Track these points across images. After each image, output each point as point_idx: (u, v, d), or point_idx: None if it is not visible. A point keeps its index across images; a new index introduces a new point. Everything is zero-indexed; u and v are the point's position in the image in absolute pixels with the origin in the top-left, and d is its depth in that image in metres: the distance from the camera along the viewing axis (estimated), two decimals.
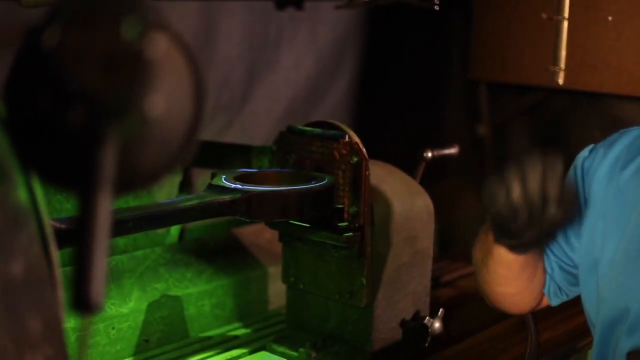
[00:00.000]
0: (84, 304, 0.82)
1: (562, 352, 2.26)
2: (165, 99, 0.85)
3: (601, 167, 1.81)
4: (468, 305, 2.38)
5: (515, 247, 1.71)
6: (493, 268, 1.86)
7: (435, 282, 2.44)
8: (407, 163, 2.59)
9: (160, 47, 0.83)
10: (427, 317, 2.09)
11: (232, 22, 2.81)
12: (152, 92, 0.82)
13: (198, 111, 0.90)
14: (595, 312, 1.78)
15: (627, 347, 1.67)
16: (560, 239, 1.86)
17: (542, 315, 2.22)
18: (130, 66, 0.81)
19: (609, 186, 1.78)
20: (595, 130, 3.03)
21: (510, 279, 1.85)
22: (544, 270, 1.90)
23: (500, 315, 2.15)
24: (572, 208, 1.56)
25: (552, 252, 1.88)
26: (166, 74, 0.85)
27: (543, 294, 1.93)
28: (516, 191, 1.54)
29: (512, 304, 1.97)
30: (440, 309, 2.11)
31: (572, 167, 1.88)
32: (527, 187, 1.53)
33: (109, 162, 0.83)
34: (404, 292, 2.07)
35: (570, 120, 3.17)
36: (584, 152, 1.88)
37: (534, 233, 1.61)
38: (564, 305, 1.98)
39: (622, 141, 1.82)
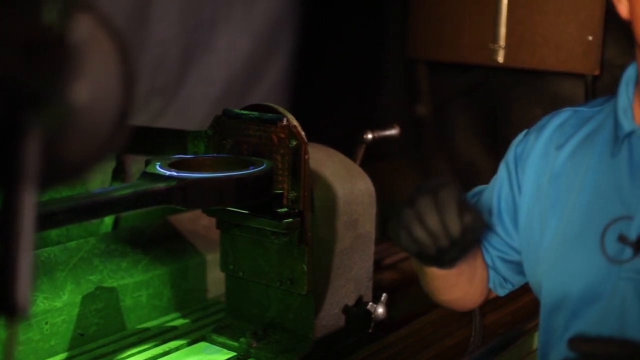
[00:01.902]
0: (9, 308, 0.78)
1: (509, 335, 2.24)
2: (91, 86, 0.80)
3: (534, 151, 1.80)
4: (411, 288, 2.35)
5: (441, 267, 1.70)
6: (430, 282, 1.85)
7: (377, 266, 2.41)
8: (348, 145, 2.56)
9: (84, 30, 0.78)
10: (370, 303, 2.06)
11: (166, 2, 2.74)
12: (77, 79, 0.77)
13: (127, 97, 0.86)
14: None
15: (569, 332, 1.65)
16: (498, 231, 1.85)
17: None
18: (52, 51, 0.76)
19: (544, 170, 1.77)
20: (536, 108, 3.02)
21: (449, 287, 1.85)
22: (485, 265, 1.88)
23: None
24: (480, 224, 1.56)
25: (491, 246, 1.86)
26: (92, 59, 0.80)
27: (489, 288, 1.92)
28: (417, 231, 1.54)
29: (460, 306, 1.97)
30: (383, 294, 2.08)
31: (506, 154, 1.87)
32: (427, 226, 1.53)
33: (31, 155, 0.79)
34: (346, 278, 2.04)
35: (511, 99, 3.16)
36: (518, 138, 1.87)
37: (449, 257, 1.60)
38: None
39: (553, 123, 1.81)
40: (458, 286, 1.85)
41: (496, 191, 1.87)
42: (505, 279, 1.89)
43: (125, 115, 0.87)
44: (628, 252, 1.57)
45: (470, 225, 1.53)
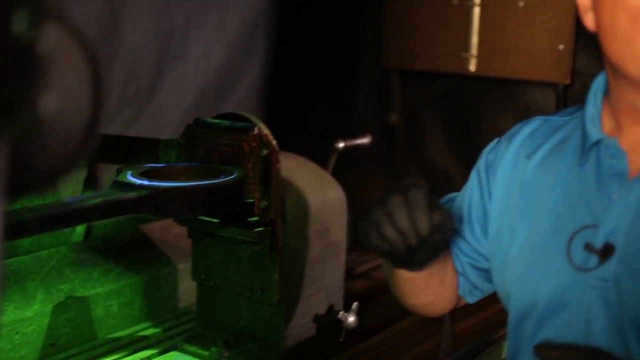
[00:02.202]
0: None
1: (479, 343, 2.25)
2: (60, 96, 0.80)
3: (504, 159, 1.81)
4: (382, 296, 2.35)
5: (411, 268, 1.71)
6: (400, 286, 1.86)
7: (349, 274, 2.42)
8: (320, 153, 2.56)
9: (53, 40, 0.78)
10: (341, 312, 2.06)
11: (139, 10, 2.74)
12: (45, 89, 0.77)
13: (97, 107, 0.85)
14: (505, 306, 1.78)
15: (536, 340, 1.66)
16: (468, 238, 1.86)
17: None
18: (20, 61, 0.76)
19: (513, 178, 1.78)
20: (508, 117, 3.04)
21: (419, 291, 1.85)
22: (455, 271, 1.89)
23: None
24: (449, 224, 1.57)
25: (461, 252, 1.87)
26: (61, 69, 0.80)
27: (459, 295, 1.93)
28: (387, 229, 1.55)
29: (429, 311, 1.97)
30: (355, 303, 2.08)
31: (477, 161, 1.88)
32: (396, 224, 1.54)
33: (0, 165, 0.78)
34: (317, 287, 2.04)
35: (483, 107, 3.17)
36: (489, 145, 1.88)
37: (419, 257, 1.62)
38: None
39: (524, 131, 1.82)
40: (428, 290, 1.85)
41: (467, 198, 1.88)
42: (475, 286, 1.90)
43: (94, 125, 0.86)
44: (594, 260, 1.58)
45: (439, 224, 1.55)
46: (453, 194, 1.97)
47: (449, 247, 1.88)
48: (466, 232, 1.86)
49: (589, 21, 1.63)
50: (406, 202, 1.54)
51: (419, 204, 1.54)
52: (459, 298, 1.94)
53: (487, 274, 1.87)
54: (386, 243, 1.57)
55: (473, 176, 1.89)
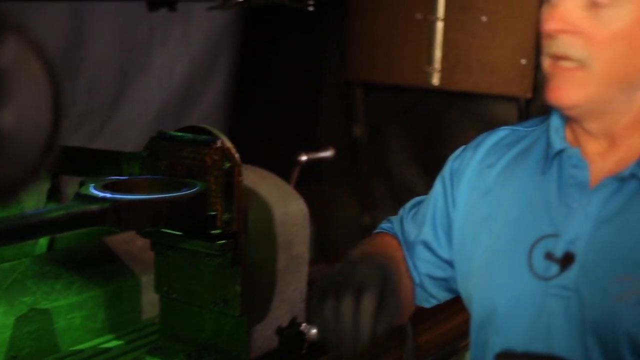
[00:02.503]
0: None
1: (441, 354, 2.27)
2: (19, 110, 0.80)
3: (469, 167, 1.82)
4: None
5: None
6: None
7: (312, 287, 2.42)
8: (284, 166, 2.57)
9: (11, 53, 0.78)
10: (304, 324, 2.07)
11: (103, 23, 2.74)
12: (4, 104, 0.77)
13: (56, 120, 0.86)
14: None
15: (496, 347, 1.67)
16: (431, 244, 1.87)
17: (420, 317, 2.22)
18: None
19: (477, 186, 1.79)
20: (471, 130, 3.06)
21: None
22: (412, 282, 1.90)
23: None
24: (391, 322, 1.59)
25: (421, 262, 1.88)
26: (19, 83, 0.80)
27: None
28: (330, 330, 1.56)
29: None
30: None
31: (443, 168, 1.90)
32: (342, 328, 1.55)
33: None
34: (280, 299, 2.05)
35: (446, 121, 3.20)
36: (455, 153, 1.89)
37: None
38: (441, 306, 1.98)
39: (489, 141, 1.84)
40: None
41: (432, 205, 1.89)
42: (432, 295, 1.91)
43: (54, 138, 0.87)
44: (554, 269, 1.60)
45: (382, 326, 1.56)
46: (420, 197, 1.98)
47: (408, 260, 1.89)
48: (430, 238, 1.87)
49: None
50: (355, 309, 1.54)
51: (365, 316, 1.54)
52: (415, 306, 1.95)
53: (444, 283, 1.88)
54: (327, 339, 1.59)
55: (438, 183, 1.90)
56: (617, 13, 1.52)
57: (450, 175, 1.86)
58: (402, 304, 1.71)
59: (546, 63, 1.58)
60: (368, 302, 1.55)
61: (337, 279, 1.60)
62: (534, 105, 2.95)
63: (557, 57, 1.55)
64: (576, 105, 1.57)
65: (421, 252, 1.88)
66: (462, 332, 2.31)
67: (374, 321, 1.55)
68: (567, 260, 1.59)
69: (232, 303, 1.92)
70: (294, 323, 2.08)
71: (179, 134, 1.95)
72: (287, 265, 2.04)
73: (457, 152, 1.90)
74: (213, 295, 1.96)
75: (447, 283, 1.87)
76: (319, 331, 1.60)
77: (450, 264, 1.86)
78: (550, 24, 1.54)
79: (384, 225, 1.98)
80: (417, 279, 1.88)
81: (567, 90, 1.56)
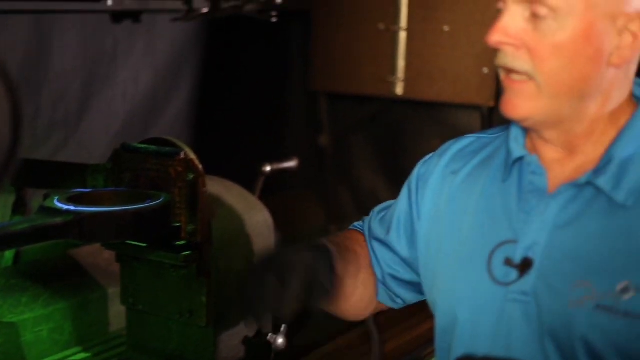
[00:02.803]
0: None
1: None
2: None
3: (434, 174, 1.84)
4: (311, 317, 2.37)
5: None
6: None
7: None
8: (249, 177, 2.58)
9: None
10: (270, 334, 2.07)
11: (67, 36, 2.74)
12: None
13: (16, 135, 0.87)
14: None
15: (459, 353, 1.69)
16: (395, 247, 1.88)
17: (386, 324, 2.23)
18: None
19: (441, 193, 1.81)
20: (435, 139, 3.08)
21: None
22: (373, 277, 1.91)
23: (344, 327, 2.15)
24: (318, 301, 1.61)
25: (384, 261, 1.89)
26: None
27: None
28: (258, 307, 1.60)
29: (348, 314, 1.97)
30: (283, 325, 2.09)
31: (411, 174, 1.92)
32: (266, 306, 1.59)
33: None
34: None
35: (410, 130, 3.21)
36: (423, 159, 1.91)
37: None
38: (408, 314, 1.99)
39: (454, 148, 1.86)
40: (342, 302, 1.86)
41: (397, 209, 1.91)
42: (396, 295, 1.93)
43: (14, 151, 0.87)
44: (513, 274, 1.62)
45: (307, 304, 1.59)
46: (389, 202, 2.00)
47: (370, 252, 1.91)
48: (393, 242, 1.89)
49: None
50: (277, 288, 1.57)
51: (287, 294, 1.57)
52: (379, 303, 1.96)
53: (409, 286, 1.89)
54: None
55: (405, 188, 1.92)
56: (558, 25, 1.54)
57: (417, 181, 1.88)
58: (335, 286, 1.71)
59: (501, 75, 1.60)
60: (288, 281, 1.56)
61: (270, 257, 1.63)
62: (497, 114, 2.98)
63: (507, 70, 1.57)
64: (527, 118, 1.59)
65: (385, 253, 1.89)
66: (429, 339, 2.32)
67: (288, 298, 1.56)
68: (525, 265, 1.61)
69: (198, 314, 1.93)
70: (260, 333, 2.09)
71: (143, 146, 1.96)
72: None
73: (425, 158, 1.91)
74: (179, 306, 1.96)
75: (412, 285, 1.89)
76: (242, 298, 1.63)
77: (413, 267, 1.88)
78: (492, 37, 1.55)
79: (356, 223, 2.00)
80: (379, 276, 1.90)
81: (517, 103, 1.58)
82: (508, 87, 1.57)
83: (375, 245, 1.91)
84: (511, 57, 1.55)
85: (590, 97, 1.60)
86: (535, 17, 1.54)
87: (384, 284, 1.90)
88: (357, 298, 1.88)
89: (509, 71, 1.56)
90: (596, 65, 1.57)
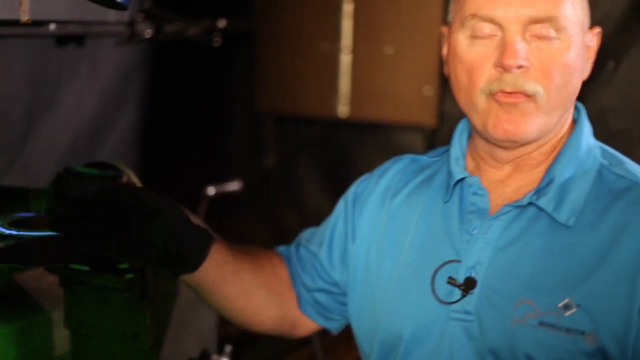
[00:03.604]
0: None
1: None
2: None
3: (373, 194, 1.87)
4: (256, 339, 2.38)
5: (175, 271, 1.78)
6: (203, 297, 1.89)
7: (222, 318, 2.43)
8: (194, 200, 2.58)
9: None
10: (215, 355, 2.08)
11: (9, 60, 2.73)
12: None
13: None
14: (370, 340, 1.81)
15: None
16: (325, 264, 1.90)
17: (331, 345, 2.24)
18: None
19: (380, 212, 1.84)
20: (379, 160, 3.10)
21: (226, 297, 1.88)
22: (289, 281, 1.92)
23: (289, 348, 2.15)
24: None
25: (317, 274, 1.91)
26: None
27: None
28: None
29: (254, 323, 1.96)
30: (228, 346, 2.10)
31: (346, 191, 1.94)
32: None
33: None
34: (190, 331, 2.05)
35: (355, 151, 3.24)
36: (360, 178, 1.94)
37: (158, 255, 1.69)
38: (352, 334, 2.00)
39: (393, 169, 1.89)
40: (235, 292, 1.87)
41: (331, 225, 1.93)
42: (328, 310, 1.94)
43: None
44: (457, 293, 1.65)
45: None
46: (314, 228, 2.02)
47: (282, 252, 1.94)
48: (324, 259, 1.91)
49: (445, 71, 1.72)
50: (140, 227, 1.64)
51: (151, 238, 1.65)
52: (306, 318, 1.96)
53: (344, 299, 1.91)
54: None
55: (340, 205, 1.94)
56: (564, 44, 1.59)
57: (353, 200, 1.90)
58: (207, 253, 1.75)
59: (497, 98, 1.60)
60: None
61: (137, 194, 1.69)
62: (440, 134, 3.01)
63: (508, 93, 1.59)
64: (528, 136, 1.62)
65: (315, 269, 1.91)
66: None
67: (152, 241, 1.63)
68: (468, 285, 1.64)
69: (142, 336, 1.93)
70: (204, 354, 2.09)
71: (86, 170, 1.95)
72: (196, 297, 2.05)
73: (362, 177, 1.94)
74: (123, 329, 1.96)
75: (345, 298, 1.90)
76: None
77: (340, 286, 1.90)
78: (509, 60, 1.56)
79: (280, 247, 2.02)
80: (310, 283, 1.91)
81: (522, 122, 1.60)
82: (510, 109, 1.59)
83: (304, 264, 1.93)
84: (522, 80, 1.57)
85: (568, 111, 1.65)
86: (541, 38, 1.58)
87: (316, 301, 1.91)
88: (257, 302, 1.88)
89: (510, 94, 1.58)
90: (579, 79, 1.65)
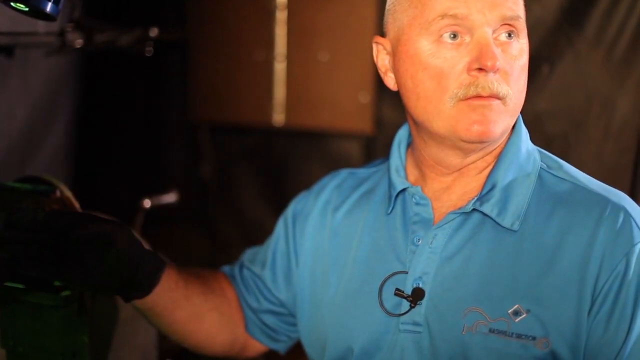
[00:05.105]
0: None
1: None
2: None
3: (313, 212, 1.86)
4: (197, 353, 2.35)
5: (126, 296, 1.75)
6: (152, 320, 1.87)
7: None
8: (130, 212, 2.55)
9: None
10: None
11: None
12: None
13: None
14: (321, 357, 1.80)
15: None
16: (269, 284, 1.89)
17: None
18: None
19: (322, 229, 1.82)
20: (317, 168, 3.10)
21: (170, 323, 1.86)
22: (237, 303, 1.91)
23: None
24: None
25: (261, 295, 1.89)
26: None
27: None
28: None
29: (208, 347, 1.95)
30: None
31: (285, 211, 1.92)
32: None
33: None
34: (131, 347, 2.02)
35: (292, 159, 3.23)
36: (298, 197, 1.93)
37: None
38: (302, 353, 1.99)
39: (331, 184, 1.88)
40: (182, 320, 1.86)
41: (272, 245, 1.92)
42: (273, 330, 1.92)
43: None
44: (405, 305, 1.64)
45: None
46: (257, 248, 2.00)
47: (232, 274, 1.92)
48: (268, 280, 1.89)
49: (389, 81, 1.69)
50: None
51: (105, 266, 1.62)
52: (254, 340, 1.95)
53: (291, 318, 1.90)
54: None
55: (280, 225, 1.93)
56: (521, 46, 1.59)
57: (293, 219, 1.89)
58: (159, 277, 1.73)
59: (453, 104, 1.58)
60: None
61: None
62: (378, 141, 3.01)
63: (482, 97, 1.57)
64: (496, 138, 1.61)
65: (259, 290, 1.90)
66: None
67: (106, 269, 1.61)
68: (416, 296, 1.63)
69: (80, 354, 1.89)
70: None
71: (17, 184, 1.92)
72: (137, 313, 2.02)
73: (300, 195, 1.93)
74: (61, 347, 1.92)
75: (292, 318, 1.89)
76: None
77: (286, 305, 1.88)
78: (490, 61, 1.54)
79: (225, 267, 2.00)
80: (254, 304, 1.89)
81: (492, 124, 1.58)
82: (484, 111, 1.57)
83: (248, 278, 1.91)
84: (497, 82, 1.56)
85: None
86: (502, 42, 1.57)
87: (262, 322, 1.90)
88: (208, 325, 1.87)
89: (487, 97, 1.56)
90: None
